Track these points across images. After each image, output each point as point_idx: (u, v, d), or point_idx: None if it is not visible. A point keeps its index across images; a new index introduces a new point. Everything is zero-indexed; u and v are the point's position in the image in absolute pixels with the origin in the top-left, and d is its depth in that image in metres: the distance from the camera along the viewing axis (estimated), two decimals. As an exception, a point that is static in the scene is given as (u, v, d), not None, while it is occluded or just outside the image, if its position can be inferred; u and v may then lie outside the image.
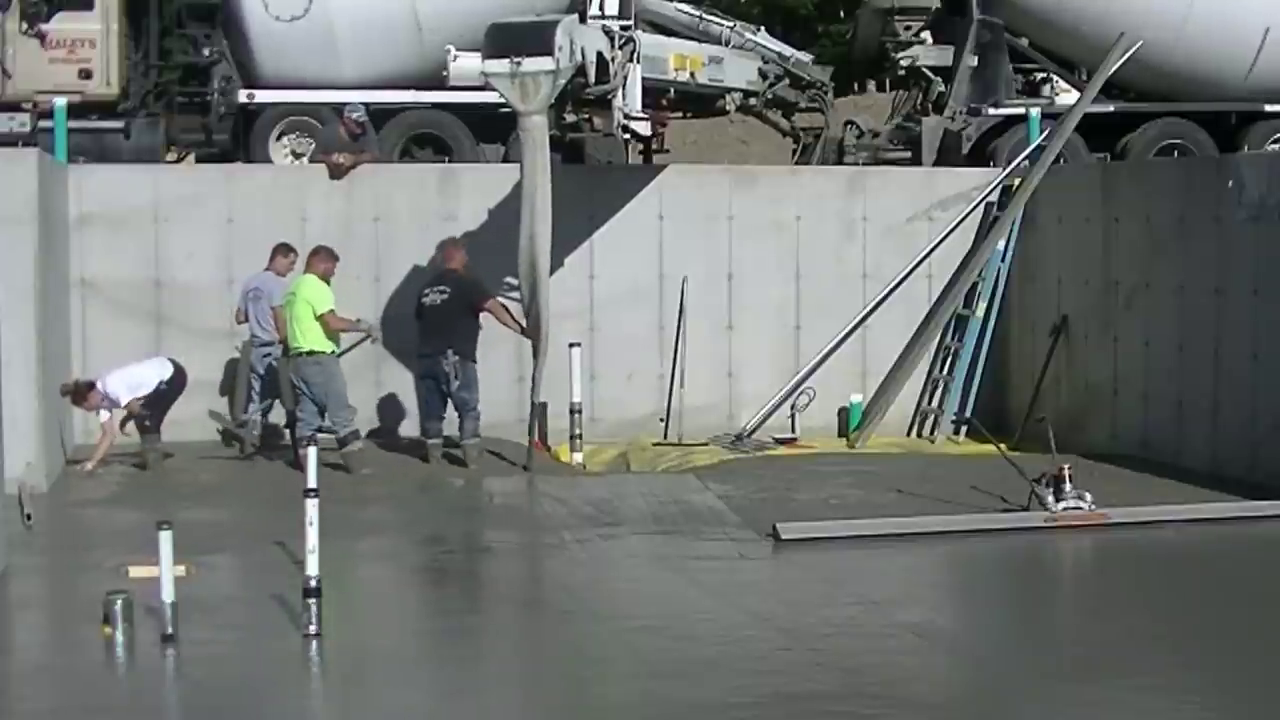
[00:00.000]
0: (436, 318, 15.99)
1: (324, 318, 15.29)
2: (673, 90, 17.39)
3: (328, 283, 15.56)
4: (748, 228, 18.16)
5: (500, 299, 16.24)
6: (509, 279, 15.99)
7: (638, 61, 15.78)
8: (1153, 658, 9.92)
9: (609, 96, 15.56)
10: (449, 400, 16.05)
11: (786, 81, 19.62)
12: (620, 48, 15.54)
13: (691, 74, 17.24)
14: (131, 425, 15.93)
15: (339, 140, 18.08)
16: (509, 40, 14.93)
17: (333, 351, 15.48)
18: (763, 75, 19.14)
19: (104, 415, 15.76)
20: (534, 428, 16.50)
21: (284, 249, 16.51)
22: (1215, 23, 21.29)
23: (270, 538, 12.44)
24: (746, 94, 18.96)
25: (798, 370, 18.20)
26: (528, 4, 19.34)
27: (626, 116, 15.90)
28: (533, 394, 16.34)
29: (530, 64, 14.75)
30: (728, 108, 18.94)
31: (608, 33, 15.44)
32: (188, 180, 18.27)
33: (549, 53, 14.70)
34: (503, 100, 15.38)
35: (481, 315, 16.05)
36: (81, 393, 15.70)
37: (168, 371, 15.96)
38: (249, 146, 20.91)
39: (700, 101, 18.84)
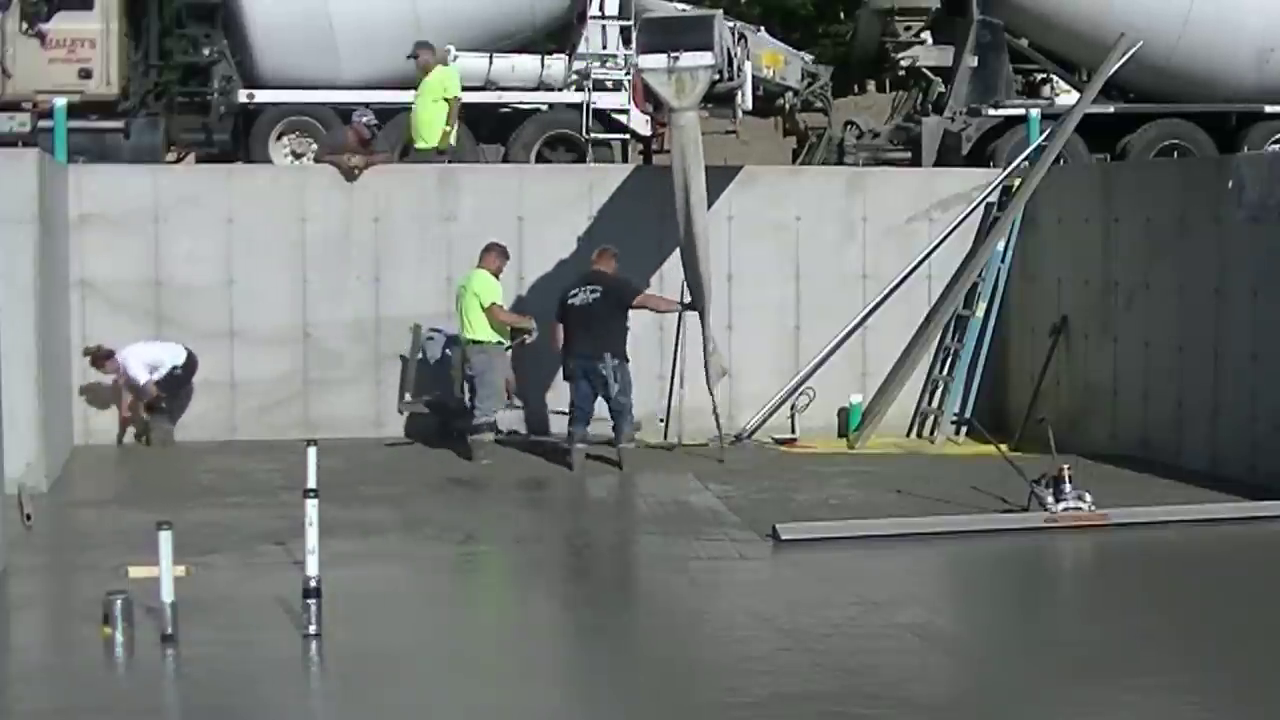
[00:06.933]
0: (587, 318, 15.65)
1: (490, 310, 15.80)
2: (762, 89, 17.24)
3: (497, 278, 16.12)
4: (748, 228, 18.14)
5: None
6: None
7: (749, 58, 15.75)
8: (1153, 658, 9.92)
9: (733, 93, 15.52)
10: (606, 402, 15.83)
11: (822, 81, 19.54)
12: (738, 43, 15.50)
13: (773, 72, 17.15)
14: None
15: (346, 144, 18.05)
16: (665, 35, 14.85)
17: (498, 343, 15.96)
18: (804, 75, 19.06)
19: (127, 397, 16.70)
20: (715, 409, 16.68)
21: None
22: (1215, 23, 21.31)
23: (270, 538, 12.45)
24: (796, 94, 18.88)
25: (798, 370, 18.19)
26: (527, 5, 19.40)
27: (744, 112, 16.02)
28: (706, 362, 16.40)
29: (688, 59, 14.68)
30: (787, 106, 18.87)
31: (732, 29, 15.38)
32: (188, 180, 18.25)
33: (709, 48, 14.61)
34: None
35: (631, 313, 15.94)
36: (101, 359, 16.56)
37: (181, 356, 16.69)
38: (249, 146, 20.92)
39: (768, 100, 18.70)
